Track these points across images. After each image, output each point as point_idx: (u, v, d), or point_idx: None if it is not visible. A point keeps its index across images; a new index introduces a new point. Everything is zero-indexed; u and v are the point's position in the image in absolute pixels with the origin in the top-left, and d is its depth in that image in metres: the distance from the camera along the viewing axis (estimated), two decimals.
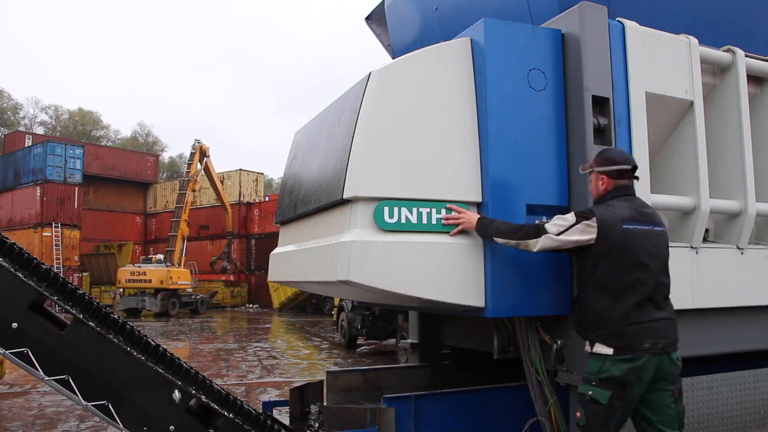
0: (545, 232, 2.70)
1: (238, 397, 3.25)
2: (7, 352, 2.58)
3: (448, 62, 3.00)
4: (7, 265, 2.71)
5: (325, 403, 3.87)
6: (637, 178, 2.88)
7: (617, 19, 3.26)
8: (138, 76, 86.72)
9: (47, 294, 2.76)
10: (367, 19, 5.86)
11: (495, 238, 2.80)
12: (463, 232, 2.89)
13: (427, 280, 2.81)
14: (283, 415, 3.88)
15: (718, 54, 3.65)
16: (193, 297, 24.77)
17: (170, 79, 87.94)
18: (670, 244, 2.83)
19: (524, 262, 2.93)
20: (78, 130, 54.14)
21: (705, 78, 3.59)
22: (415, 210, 2.83)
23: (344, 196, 2.79)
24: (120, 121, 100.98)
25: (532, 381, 3.11)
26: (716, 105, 3.71)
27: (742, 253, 3.60)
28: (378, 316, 11.70)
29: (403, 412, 3.09)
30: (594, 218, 2.66)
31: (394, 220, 2.79)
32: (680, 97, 3.42)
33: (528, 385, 3.13)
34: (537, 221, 2.84)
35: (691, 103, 3.45)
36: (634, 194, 2.86)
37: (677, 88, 3.41)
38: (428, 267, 2.82)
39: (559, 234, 2.68)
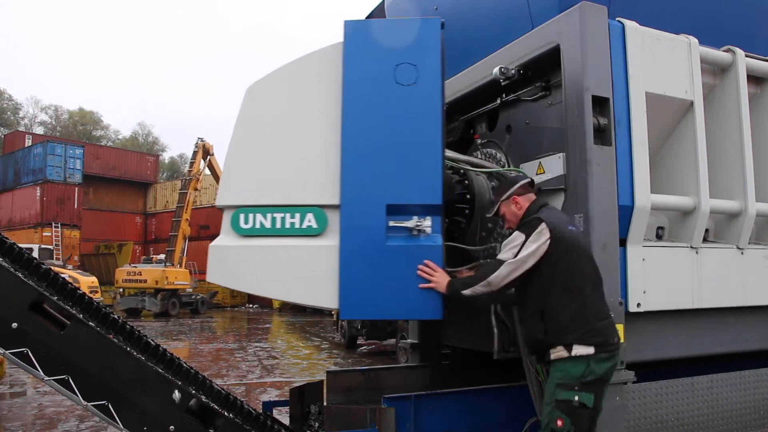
0: (502, 262, 2.70)
1: (238, 397, 3.25)
2: (7, 352, 2.58)
3: (317, 69, 3.06)
4: (7, 265, 2.71)
5: (325, 403, 3.87)
6: (538, 190, 2.97)
7: (617, 19, 3.26)
8: (138, 76, 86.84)
9: (47, 294, 2.76)
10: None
11: (463, 292, 2.78)
12: (322, 233, 2.93)
13: (279, 281, 2.95)
14: (283, 415, 3.88)
15: (718, 54, 3.65)
16: (193, 297, 24.74)
17: (170, 79, 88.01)
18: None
19: (381, 265, 2.90)
20: (78, 130, 54.14)
21: (705, 78, 3.59)
22: (269, 215, 2.97)
23: (216, 206, 3.07)
24: (120, 121, 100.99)
25: (532, 381, 3.11)
26: (716, 105, 3.71)
27: (742, 253, 3.60)
28: None
29: (403, 412, 3.09)
30: (542, 223, 2.67)
31: (249, 225, 2.98)
32: (680, 97, 3.42)
33: (528, 385, 3.13)
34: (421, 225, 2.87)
35: (691, 103, 3.45)
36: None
37: (677, 88, 3.41)
38: (281, 269, 2.94)
39: (516, 255, 2.67)
